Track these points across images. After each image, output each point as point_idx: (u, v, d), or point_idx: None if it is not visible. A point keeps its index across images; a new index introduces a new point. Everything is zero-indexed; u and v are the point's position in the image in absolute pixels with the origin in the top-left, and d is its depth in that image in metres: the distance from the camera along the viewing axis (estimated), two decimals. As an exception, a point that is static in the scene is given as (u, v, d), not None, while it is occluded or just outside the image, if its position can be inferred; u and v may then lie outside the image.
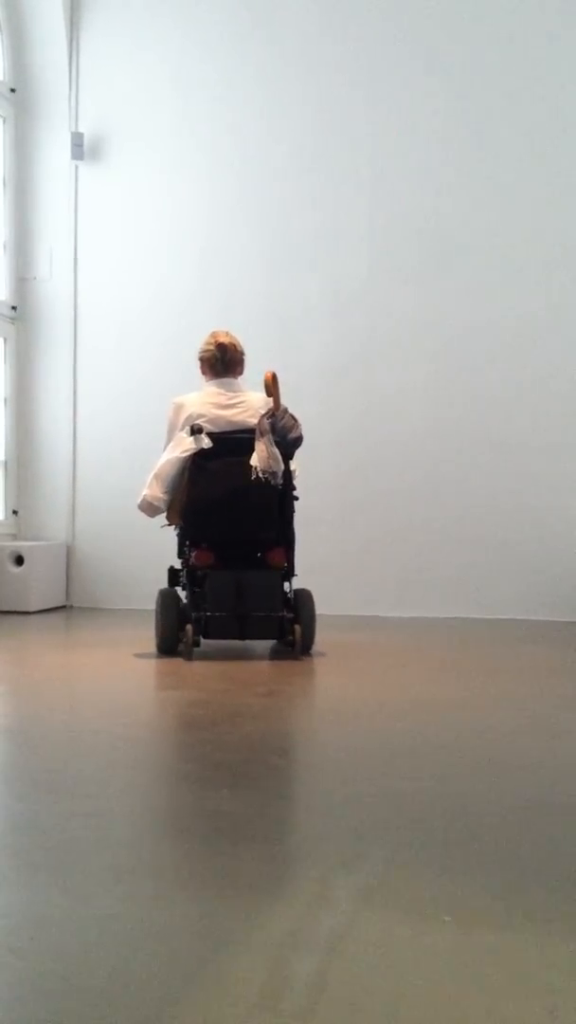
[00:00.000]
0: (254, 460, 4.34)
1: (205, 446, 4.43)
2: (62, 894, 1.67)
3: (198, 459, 4.44)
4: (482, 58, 6.22)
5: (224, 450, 4.44)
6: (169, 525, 4.75)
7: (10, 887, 1.71)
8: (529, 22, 6.17)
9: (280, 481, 4.40)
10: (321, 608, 4.61)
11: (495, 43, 6.20)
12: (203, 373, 4.69)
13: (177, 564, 4.78)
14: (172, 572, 4.75)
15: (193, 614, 4.37)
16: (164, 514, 4.63)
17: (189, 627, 4.32)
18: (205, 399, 4.58)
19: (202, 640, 4.37)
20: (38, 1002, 1.31)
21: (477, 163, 6.23)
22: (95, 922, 1.56)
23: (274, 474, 4.35)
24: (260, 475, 4.32)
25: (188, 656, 4.30)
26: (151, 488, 4.53)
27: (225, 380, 4.62)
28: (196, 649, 4.34)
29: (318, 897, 1.66)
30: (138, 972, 1.39)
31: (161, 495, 4.51)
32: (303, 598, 4.51)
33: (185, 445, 4.46)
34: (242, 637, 4.47)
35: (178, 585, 4.66)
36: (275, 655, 4.56)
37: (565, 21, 6.15)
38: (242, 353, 4.67)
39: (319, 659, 4.42)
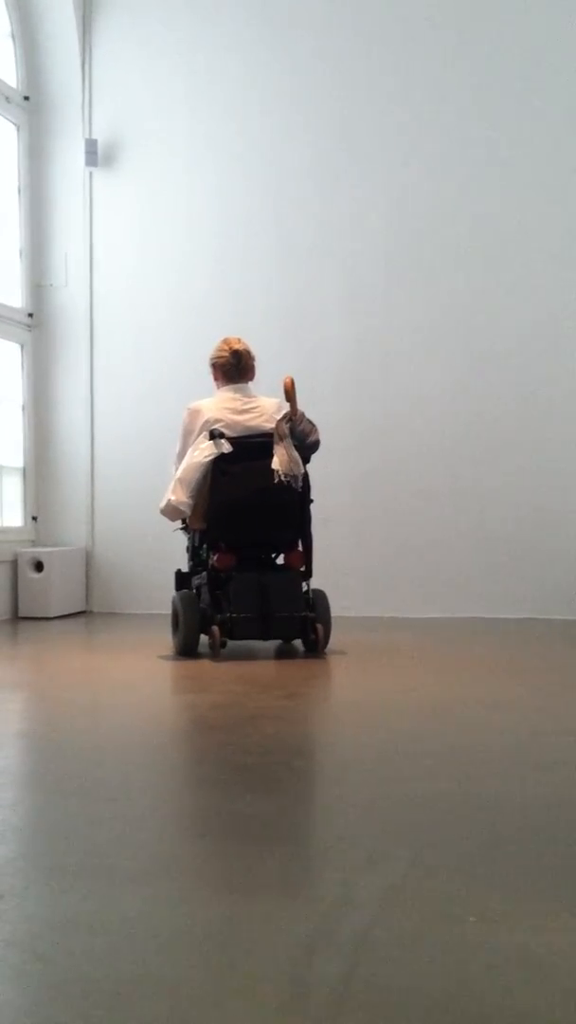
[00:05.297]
0: (275, 464, 4.40)
1: (225, 450, 4.47)
2: (86, 898, 1.68)
3: (220, 463, 4.48)
4: (499, 56, 6.20)
5: (244, 454, 4.48)
6: (184, 528, 4.78)
7: (34, 891, 1.72)
8: (542, 19, 6.15)
9: (300, 484, 4.46)
10: (339, 609, 4.61)
11: (511, 41, 6.18)
12: (216, 379, 4.74)
13: (185, 567, 4.81)
14: (181, 575, 4.78)
15: (218, 616, 4.40)
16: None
17: (216, 628, 4.35)
18: (221, 404, 4.62)
19: (227, 641, 4.41)
20: (62, 1006, 1.32)
21: (495, 161, 6.21)
22: (119, 925, 1.56)
23: (295, 477, 4.45)
24: (282, 478, 4.40)
25: (216, 655, 4.35)
26: (176, 492, 4.56)
27: (239, 386, 4.67)
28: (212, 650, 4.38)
29: (341, 899, 1.66)
30: (162, 975, 1.39)
31: (186, 499, 4.54)
32: (320, 598, 4.58)
33: (206, 450, 4.49)
34: (266, 637, 4.51)
35: (188, 588, 4.69)
36: (288, 655, 4.57)
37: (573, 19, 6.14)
38: (254, 359, 4.72)
39: (338, 660, 4.41)
